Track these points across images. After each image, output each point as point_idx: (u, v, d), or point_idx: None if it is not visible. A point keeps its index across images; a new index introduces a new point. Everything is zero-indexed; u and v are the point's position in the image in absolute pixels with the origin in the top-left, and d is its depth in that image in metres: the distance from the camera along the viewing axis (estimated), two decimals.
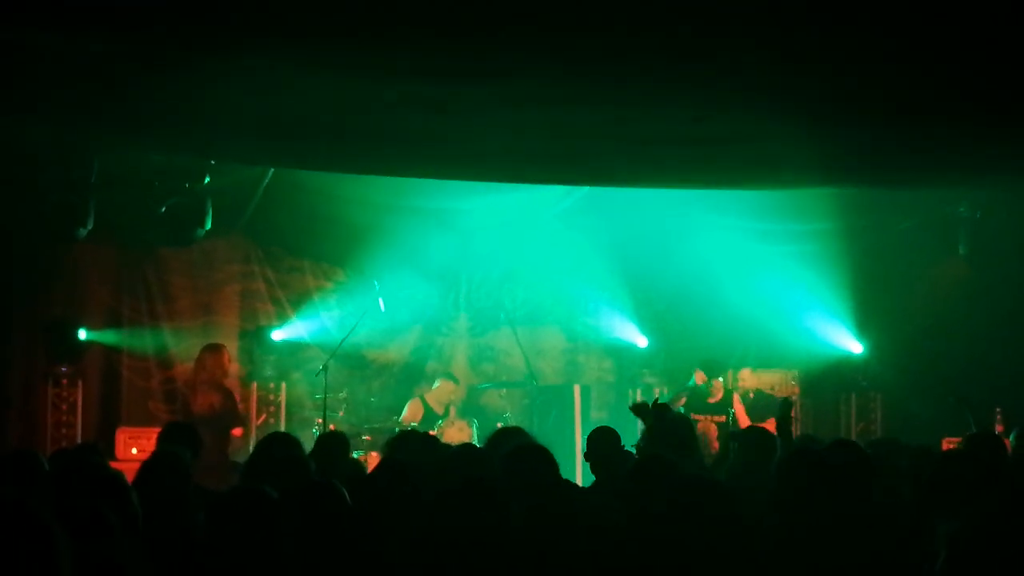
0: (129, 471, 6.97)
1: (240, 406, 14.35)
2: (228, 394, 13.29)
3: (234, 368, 14.62)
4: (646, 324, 17.19)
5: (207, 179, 11.91)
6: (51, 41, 7.32)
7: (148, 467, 6.75)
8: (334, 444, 8.13)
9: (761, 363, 15.61)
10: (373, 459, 12.92)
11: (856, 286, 14.99)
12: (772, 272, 15.16)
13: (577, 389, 15.87)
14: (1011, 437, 9.36)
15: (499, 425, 15.17)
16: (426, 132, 9.67)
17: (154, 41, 7.26)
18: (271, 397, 15.77)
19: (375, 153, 10.74)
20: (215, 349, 13.52)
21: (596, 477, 7.94)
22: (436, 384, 15.27)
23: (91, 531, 4.47)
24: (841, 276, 14.84)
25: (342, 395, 15.46)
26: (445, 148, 10.35)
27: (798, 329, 15.30)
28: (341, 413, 15.32)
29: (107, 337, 15.01)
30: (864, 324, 15.34)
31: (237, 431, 13.39)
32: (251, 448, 14.35)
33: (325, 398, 14.37)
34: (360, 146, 10.43)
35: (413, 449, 7.70)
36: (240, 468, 10.22)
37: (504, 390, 16.22)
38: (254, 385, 15.65)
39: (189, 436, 8.17)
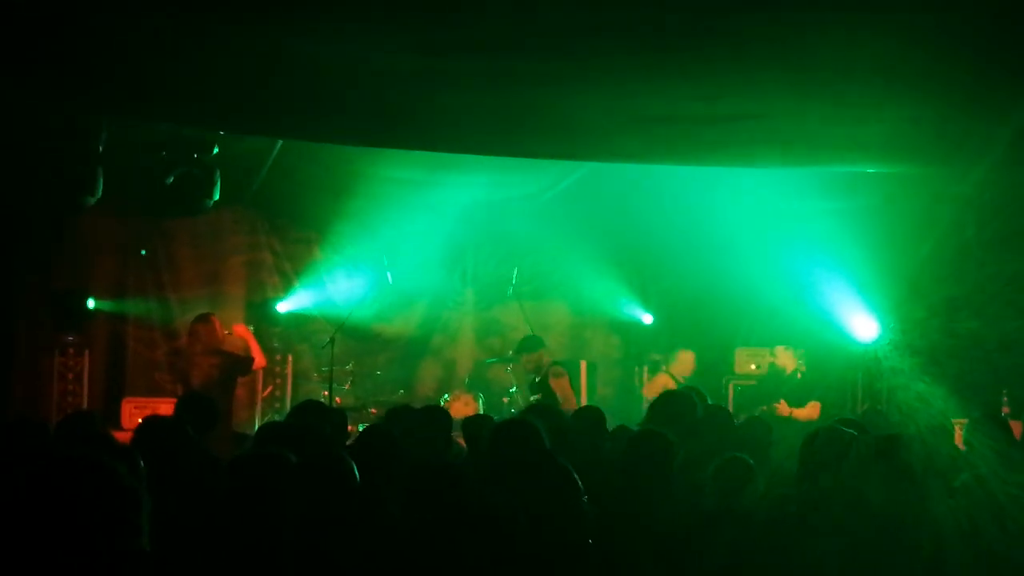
0: None
1: (245, 378, 14.19)
2: (226, 354, 13.09)
3: (238, 331, 14.41)
4: (651, 301, 17.18)
5: (215, 150, 11.86)
6: (56, 9, 7.28)
7: (143, 429, 6.82)
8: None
9: (766, 341, 15.56)
10: None
11: (868, 266, 14.92)
12: (781, 250, 15.10)
13: (583, 365, 15.83)
14: None
15: (504, 398, 15.24)
16: (436, 106, 9.63)
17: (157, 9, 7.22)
18: (277, 369, 15.79)
19: (383, 126, 10.69)
20: (205, 319, 13.27)
21: None
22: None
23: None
24: (852, 255, 14.77)
25: (348, 368, 15.49)
26: (455, 122, 10.30)
27: (808, 307, 15.24)
28: (347, 386, 15.35)
29: (114, 307, 15.01)
30: (874, 303, 15.29)
31: (260, 363, 13.44)
32: (256, 421, 14.46)
33: (331, 370, 14.37)
34: (368, 119, 10.38)
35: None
36: (247, 439, 10.25)
37: (510, 365, 16.19)
38: None
39: (204, 406, 8.17)
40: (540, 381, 12.95)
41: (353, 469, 5.33)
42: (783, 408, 13.43)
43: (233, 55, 8.21)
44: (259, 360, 13.46)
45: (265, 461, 5.27)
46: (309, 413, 7.76)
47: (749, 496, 5.58)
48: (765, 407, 13.70)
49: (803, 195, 14.14)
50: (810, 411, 13.58)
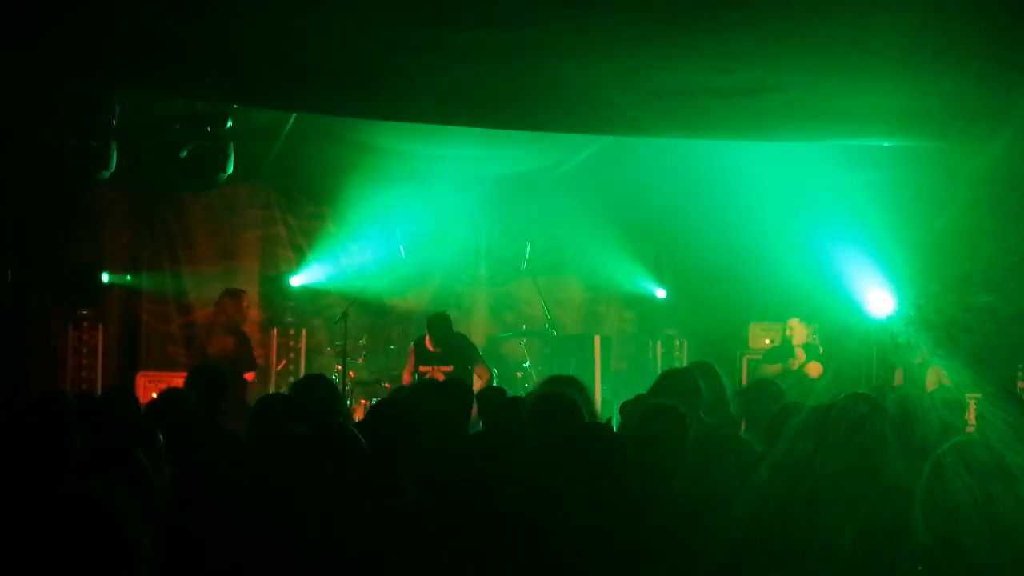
0: None
1: (259, 351, 14.37)
2: (243, 338, 13.29)
3: (254, 313, 14.66)
4: (665, 275, 17.17)
5: (229, 123, 11.85)
6: None
7: (151, 406, 6.87)
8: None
9: (780, 315, 15.52)
10: None
11: (882, 241, 14.87)
12: (795, 224, 15.06)
13: (597, 340, 15.84)
14: None
15: (517, 372, 15.25)
16: (449, 80, 9.61)
17: None
18: (291, 343, 15.82)
19: (394, 99, 10.67)
20: (235, 294, 13.53)
21: None
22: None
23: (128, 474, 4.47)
24: (867, 230, 14.73)
25: (362, 342, 15.52)
26: (468, 95, 10.28)
27: (822, 282, 15.21)
28: (360, 360, 15.37)
29: (128, 281, 15.06)
30: (889, 278, 15.25)
31: (249, 375, 13.27)
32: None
33: (345, 345, 14.39)
34: (380, 92, 10.37)
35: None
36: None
37: (524, 339, 16.20)
38: (274, 331, 15.70)
39: (214, 379, 8.16)
40: (446, 354, 13.04)
41: (358, 441, 5.30)
42: (810, 367, 13.56)
43: (246, 27, 8.19)
44: (251, 373, 13.41)
45: (283, 439, 5.27)
46: (312, 387, 7.77)
47: (757, 480, 5.57)
48: (779, 366, 13.80)
49: (817, 170, 14.09)
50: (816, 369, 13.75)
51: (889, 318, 15.13)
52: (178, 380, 12.64)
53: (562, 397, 6.64)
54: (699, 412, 7.63)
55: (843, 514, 5.36)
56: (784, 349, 14.41)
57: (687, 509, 5.18)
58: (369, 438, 5.63)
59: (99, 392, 13.51)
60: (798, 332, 14.39)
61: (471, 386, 8.46)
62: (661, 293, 17.18)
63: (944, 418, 7.48)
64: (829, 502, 5.43)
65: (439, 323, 13.16)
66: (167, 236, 15.45)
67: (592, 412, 7.31)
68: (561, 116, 11.30)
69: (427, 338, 13.16)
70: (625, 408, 8.29)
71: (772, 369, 14.06)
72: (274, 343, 15.64)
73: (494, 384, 12.64)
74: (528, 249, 16.12)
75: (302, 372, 15.44)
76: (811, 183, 14.63)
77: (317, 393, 7.40)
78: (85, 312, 14.65)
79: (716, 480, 5.47)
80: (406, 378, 13.21)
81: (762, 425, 7.03)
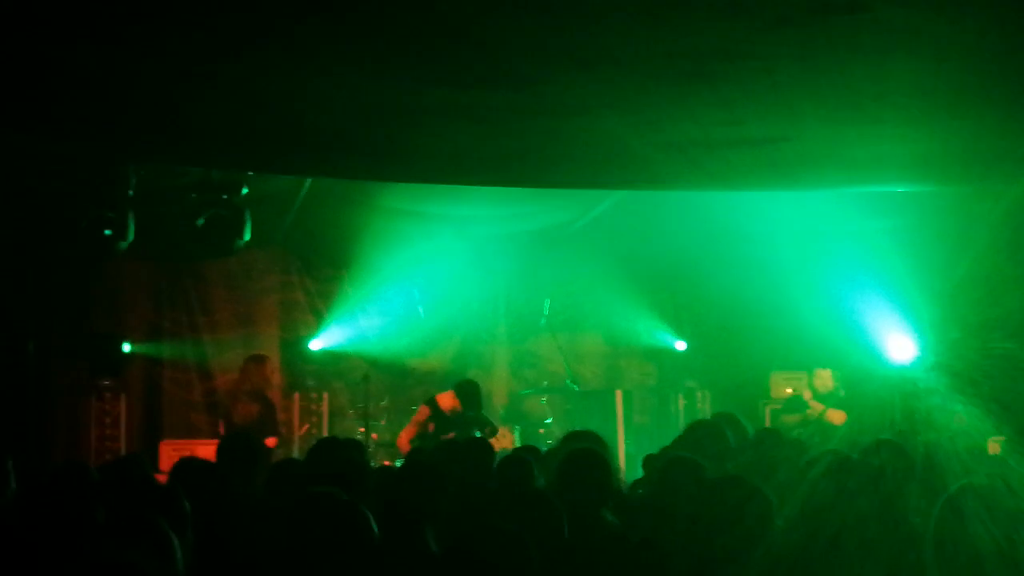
0: None
1: (282, 416, 14.39)
2: (268, 404, 13.35)
3: (277, 378, 14.70)
4: (684, 327, 17.15)
5: (245, 190, 11.93)
6: (83, 54, 7.32)
7: (179, 471, 6.89)
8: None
9: (802, 365, 15.46)
10: None
11: (903, 287, 14.85)
12: (815, 272, 15.05)
13: (619, 394, 15.82)
14: None
15: (540, 429, 15.22)
16: (465, 141, 9.63)
17: (181, 44, 7.22)
18: (313, 407, 15.82)
19: (411, 162, 10.71)
20: (259, 360, 13.62)
21: None
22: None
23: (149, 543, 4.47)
24: (887, 276, 14.71)
25: (384, 404, 15.52)
26: (485, 155, 10.31)
27: (843, 329, 15.17)
28: (383, 422, 15.38)
29: (149, 350, 15.11)
30: (910, 324, 15.21)
31: (271, 441, 13.25)
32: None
33: (367, 407, 14.40)
34: (395, 156, 10.40)
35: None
36: None
37: (546, 396, 16.19)
38: (296, 395, 15.72)
39: (248, 448, 8.15)
40: (468, 420, 12.79)
41: (365, 517, 5.27)
42: (833, 415, 13.51)
43: (258, 95, 8.24)
44: (273, 439, 13.36)
45: (298, 504, 5.27)
46: (329, 449, 7.78)
47: (774, 529, 5.54)
48: (799, 416, 13.74)
49: (836, 216, 14.09)
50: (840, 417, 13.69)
51: (911, 364, 15.08)
52: (202, 448, 12.69)
53: (592, 454, 6.65)
54: (727, 463, 7.61)
55: (864, 561, 5.33)
56: (799, 401, 14.34)
57: (706, 556, 5.17)
58: (394, 497, 5.63)
59: None
60: (815, 382, 14.33)
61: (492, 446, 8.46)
62: (681, 345, 17.16)
63: (967, 464, 7.45)
64: (851, 549, 5.40)
65: (473, 391, 12.87)
66: (186, 304, 15.51)
67: (615, 467, 7.31)
68: (578, 172, 11.31)
69: (445, 402, 12.85)
70: (649, 462, 8.30)
71: (791, 420, 14.01)
72: (296, 407, 15.65)
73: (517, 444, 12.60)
74: (547, 305, 16.14)
75: (325, 435, 15.44)
76: (829, 230, 14.63)
77: (336, 454, 7.41)
78: (107, 383, 14.69)
79: (736, 529, 5.44)
80: (404, 445, 12.68)
81: (779, 474, 7.01)
